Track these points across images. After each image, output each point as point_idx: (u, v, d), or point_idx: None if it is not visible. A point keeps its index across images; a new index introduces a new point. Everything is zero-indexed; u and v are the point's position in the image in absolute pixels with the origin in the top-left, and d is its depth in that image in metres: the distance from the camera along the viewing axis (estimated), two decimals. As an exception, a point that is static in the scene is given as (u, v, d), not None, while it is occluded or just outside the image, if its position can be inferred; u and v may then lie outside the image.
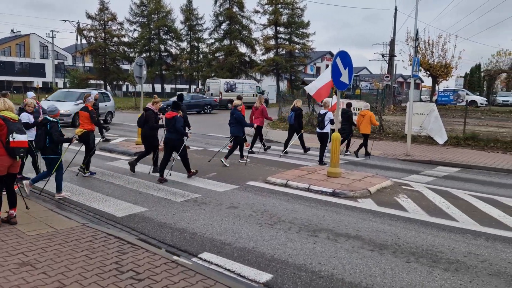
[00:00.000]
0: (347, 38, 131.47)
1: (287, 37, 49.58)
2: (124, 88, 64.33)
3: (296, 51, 49.87)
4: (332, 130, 10.28)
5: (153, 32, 55.51)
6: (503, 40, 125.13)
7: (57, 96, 20.26)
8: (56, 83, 55.67)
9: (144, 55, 54.78)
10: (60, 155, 7.45)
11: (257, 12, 49.31)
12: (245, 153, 11.54)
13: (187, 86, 62.29)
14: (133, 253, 4.86)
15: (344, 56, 9.38)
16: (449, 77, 41.69)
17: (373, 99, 27.67)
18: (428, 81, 50.35)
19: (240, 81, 40.41)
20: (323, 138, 11.41)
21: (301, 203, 7.47)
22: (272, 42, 49.62)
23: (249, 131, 12.57)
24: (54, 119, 7.32)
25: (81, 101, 18.09)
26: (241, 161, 11.26)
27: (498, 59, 48.77)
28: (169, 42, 57.65)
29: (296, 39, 49.63)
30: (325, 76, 12.53)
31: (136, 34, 56.64)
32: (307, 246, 5.39)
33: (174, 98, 10.92)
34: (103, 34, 54.61)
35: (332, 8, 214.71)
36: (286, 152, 12.54)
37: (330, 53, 65.03)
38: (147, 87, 55.75)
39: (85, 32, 55.02)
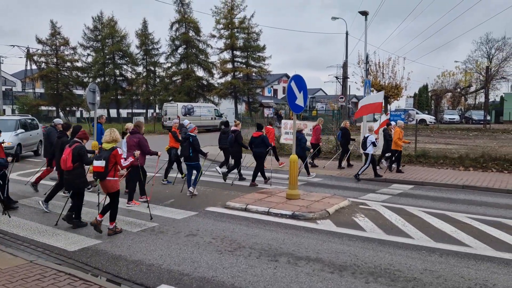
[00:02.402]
0: (303, 60, 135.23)
1: (243, 61, 50.32)
2: (78, 114, 62.34)
3: (253, 74, 50.66)
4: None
5: (107, 56, 54.59)
6: (446, 62, 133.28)
7: None
8: (4, 110, 53.09)
9: (98, 80, 53.65)
10: (199, 161, 10.08)
11: (213, 36, 49.90)
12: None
13: (144, 111, 61.39)
14: (85, 290, 4.59)
15: (298, 79, 9.59)
16: (399, 97, 43.61)
17: (329, 120, 28.41)
18: (380, 101, 52.35)
19: (198, 104, 40.37)
20: (366, 158, 12.84)
21: (261, 227, 7.41)
22: (229, 65, 50.17)
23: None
24: (193, 134, 10.03)
25: (22, 130, 16.64)
26: (309, 177, 12.77)
27: (443, 80, 51.97)
28: (125, 66, 56.86)
29: (252, 63, 50.49)
30: (374, 98, 14.87)
31: (90, 59, 55.47)
32: (268, 272, 5.32)
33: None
34: (55, 59, 53.04)
35: (287, 32, 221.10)
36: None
37: (287, 75, 66.56)
38: (102, 112, 54.30)
39: (35, 57, 53.27)
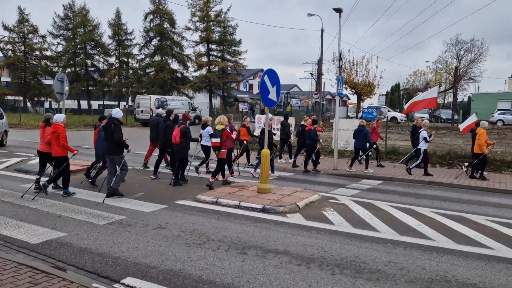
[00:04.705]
0: (279, 56, 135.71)
1: (219, 55, 49.91)
2: (46, 105, 60.52)
3: (229, 68, 50.33)
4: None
5: (78, 46, 53.16)
6: (418, 61, 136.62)
7: None
8: (-33, 98, 50.95)
9: (69, 70, 52.28)
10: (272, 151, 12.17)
11: (188, 29, 49.22)
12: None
13: (116, 103, 60.14)
14: (48, 283, 4.48)
15: (271, 74, 9.59)
16: (372, 95, 44.60)
17: (303, 116, 28.62)
18: (354, 99, 53.34)
19: (172, 97, 39.86)
20: (417, 153, 12.96)
21: (231, 220, 7.41)
22: (204, 59, 49.66)
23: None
24: (269, 128, 11.36)
25: None
26: (349, 169, 13.29)
27: (415, 79, 53.26)
28: (96, 57, 55.56)
29: (228, 57, 50.12)
30: (429, 93, 15.22)
31: (60, 48, 53.88)
32: (236, 265, 5.33)
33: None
34: (22, 47, 51.26)
35: (263, 28, 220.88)
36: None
37: (262, 70, 66.56)
38: (73, 104, 53.07)
39: (1, 45, 51.34)
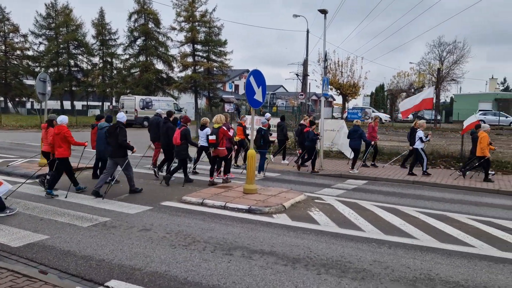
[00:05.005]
0: (264, 57, 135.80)
1: (205, 55, 49.56)
2: (28, 105, 59.42)
3: (214, 68, 50.07)
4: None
5: (61, 46, 52.30)
6: (402, 63, 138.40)
7: None
8: None
9: (51, 70, 51.42)
10: (267, 149, 12.75)
11: (173, 29, 48.74)
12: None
13: (99, 103, 59.40)
14: (29, 287, 4.39)
15: (257, 74, 9.59)
16: (357, 95, 44.98)
17: (289, 116, 28.74)
18: (339, 99, 53.76)
19: (157, 98, 39.55)
20: (416, 153, 13.12)
21: (217, 221, 7.38)
22: (190, 59, 49.27)
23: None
24: (265, 128, 12.38)
25: None
26: (350, 171, 13.13)
27: (399, 80, 53.84)
28: (80, 57, 54.72)
29: (214, 57, 49.78)
30: (424, 94, 15.58)
31: (42, 48, 52.93)
32: (222, 266, 5.30)
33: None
34: (3, 47, 50.24)
35: (249, 29, 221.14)
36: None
37: (248, 71, 66.37)
38: (55, 104, 52.20)
39: (-19, 44, 50.21)
